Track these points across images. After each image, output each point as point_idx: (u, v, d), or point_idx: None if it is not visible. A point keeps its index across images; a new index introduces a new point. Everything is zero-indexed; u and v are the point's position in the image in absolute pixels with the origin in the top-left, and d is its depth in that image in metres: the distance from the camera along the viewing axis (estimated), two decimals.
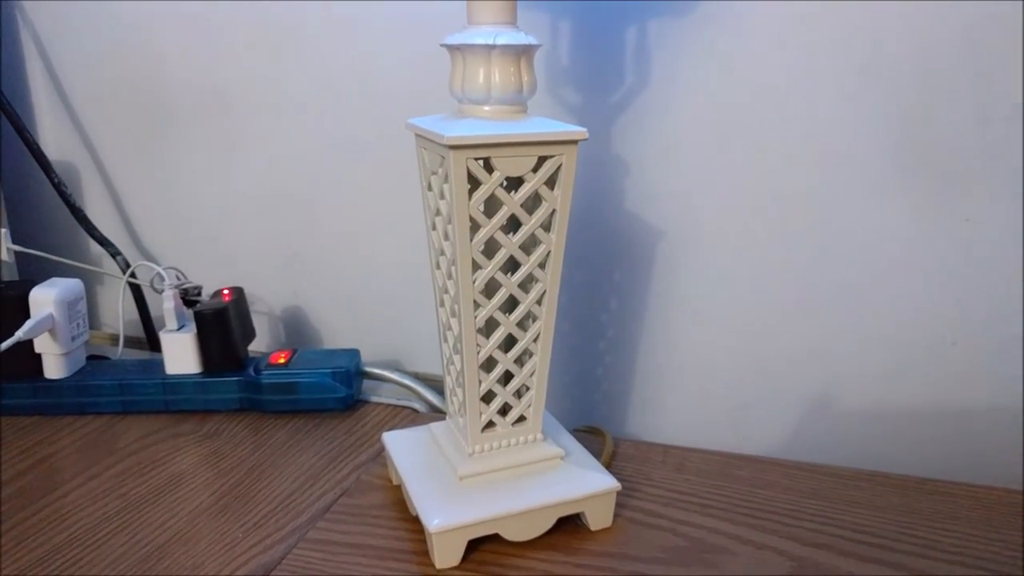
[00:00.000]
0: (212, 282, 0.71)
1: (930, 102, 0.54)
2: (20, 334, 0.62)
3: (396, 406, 0.68)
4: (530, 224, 0.44)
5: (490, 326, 0.46)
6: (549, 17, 0.61)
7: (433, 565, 0.46)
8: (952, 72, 0.53)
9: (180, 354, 0.66)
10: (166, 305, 0.66)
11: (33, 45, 0.79)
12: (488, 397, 0.48)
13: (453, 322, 0.46)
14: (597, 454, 0.55)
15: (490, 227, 0.43)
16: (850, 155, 0.57)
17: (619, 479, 0.50)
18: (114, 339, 0.80)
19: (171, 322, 0.67)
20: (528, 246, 0.45)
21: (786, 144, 0.58)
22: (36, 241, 0.77)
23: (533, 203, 0.44)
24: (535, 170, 0.43)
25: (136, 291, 0.77)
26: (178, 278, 0.70)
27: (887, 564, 0.47)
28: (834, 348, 0.61)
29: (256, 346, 0.71)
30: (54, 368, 0.66)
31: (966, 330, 0.58)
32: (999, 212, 0.55)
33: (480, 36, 0.42)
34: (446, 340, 0.49)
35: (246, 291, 0.70)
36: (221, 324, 0.65)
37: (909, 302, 0.58)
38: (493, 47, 0.42)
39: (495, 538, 0.47)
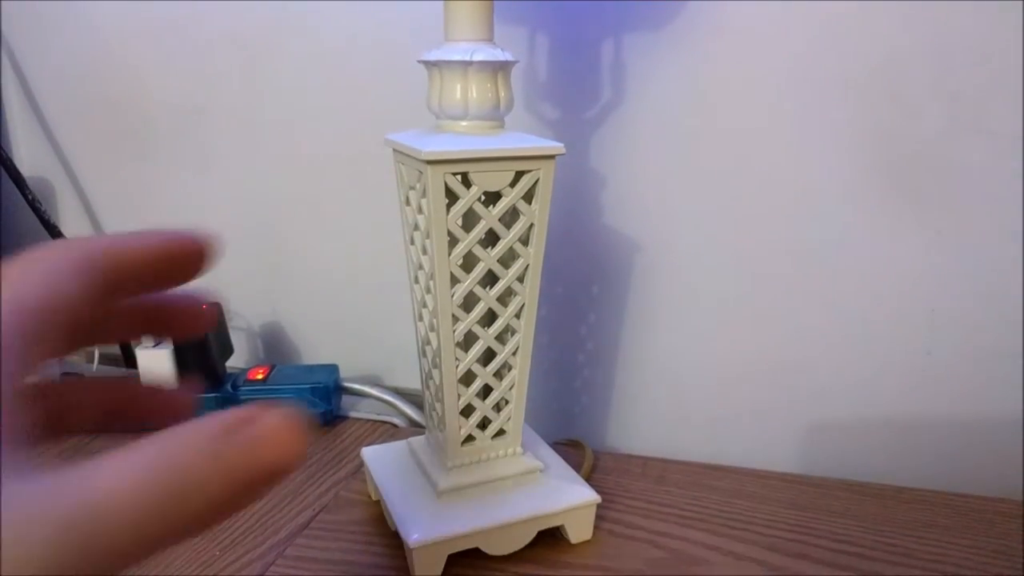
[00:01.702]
0: None
1: (902, 118, 0.55)
2: None
3: (375, 421, 0.68)
4: (508, 238, 0.44)
5: (469, 340, 0.46)
6: (526, 33, 0.62)
7: None
8: (922, 89, 0.54)
9: (156, 371, 0.65)
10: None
11: (7, 60, 0.79)
12: (467, 411, 0.48)
13: (432, 336, 0.46)
14: (577, 467, 0.55)
15: (468, 241, 0.43)
16: (824, 169, 0.58)
17: (599, 491, 0.50)
18: (89, 356, 0.79)
19: (147, 338, 0.66)
20: (506, 260, 0.45)
21: (761, 158, 0.59)
22: (9, 258, 0.76)
23: (511, 217, 0.45)
24: (513, 185, 0.43)
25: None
26: None
27: (864, 573, 0.47)
28: (810, 359, 0.62)
29: (234, 362, 0.71)
30: None
31: (940, 340, 0.58)
32: (968, 225, 0.56)
33: (457, 53, 0.42)
34: (425, 354, 0.49)
35: (224, 307, 0.70)
36: (198, 340, 0.65)
37: (884, 313, 0.59)
38: (470, 63, 0.42)
39: (475, 552, 0.47)
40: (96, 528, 0.15)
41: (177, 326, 0.26)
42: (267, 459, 0.17)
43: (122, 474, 0.16)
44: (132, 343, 0.77)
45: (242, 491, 0.17)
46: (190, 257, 0.22)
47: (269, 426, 0.17)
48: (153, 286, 0.22)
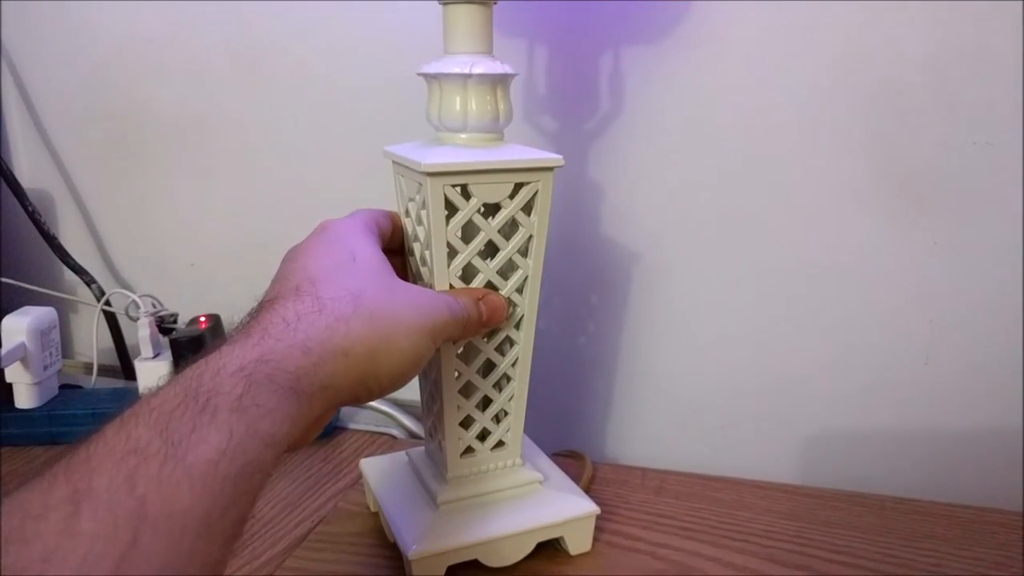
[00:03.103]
0: (188, 310, 0.71)
1: (901, 128, 0.56)
2: None
3: (374, 433, 0.68)
4: (507, 249, 0.44)
5: (468, 351, 0.46)
6: (525, 45, 0.62)
7: None
8: (921, 100, 0.55)
9: (156, 382, 0.65)
10: (141, 333, 0.66)
11: (8, 71, 0.79)
12: (466, 422, 0.48)
13: None
14: (576, 478, 0.55)
15: (467, 253, 0.43)
16: (823, 180, 0.58)
17: (598, 503, 0.50)
18: (88, 368, 0.79)
19: (146, 350, 0.66)
20: (506, 271, 0.45)
21: (760, 169, 0.59)
22: (9, 269, 0.76)
23: (510, 229, 0.45)
24: (512, 196, 0.43)
25: (111, 319, 0.76)
26: (154, 306, 0.70)
27: None
28: (809, 369, 0.62)
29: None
30: (26, 397, 0.65)
31: (939, 349, 0.58)
32: (967, 235, 0.56)
33: (456, 65, 0.43)
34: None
35: (223, 319, 0.70)
36: (198, 352, 0.65)
37: (883, 323, 0.59)
38: (469, 76, 0.42)
39: (474, 564, 0.47)
40: (453, 316, 0.39)
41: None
42: (497, 314, 0.43)
43: (452, 299, 0.40)
44: (131, 355, 0.77)
45: (481, 325, 0.43)
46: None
47: (498, 299, 0.43)
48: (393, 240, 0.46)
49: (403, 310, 0.37)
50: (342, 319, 0.34)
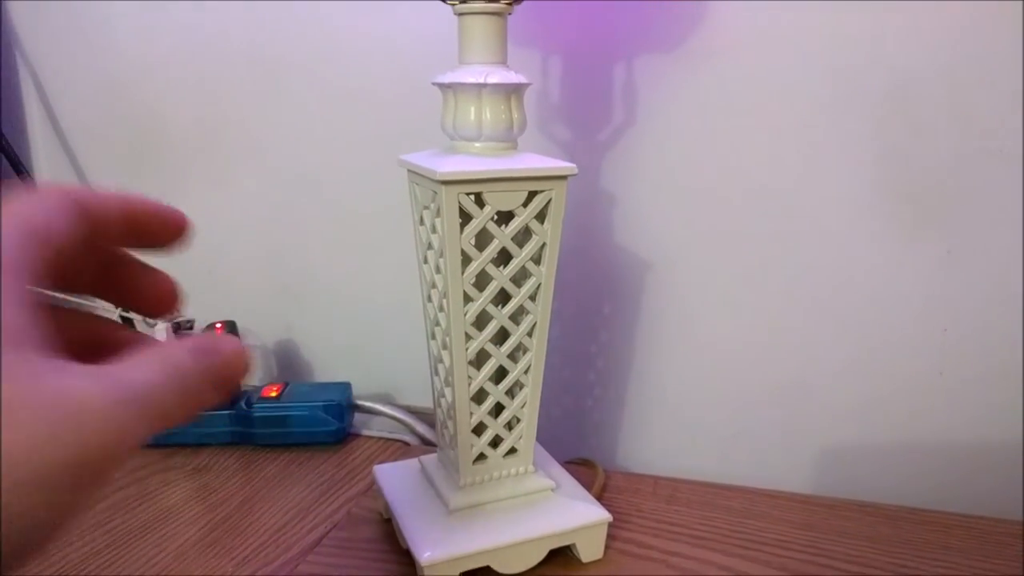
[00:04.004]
0: (205, 315, 0.71)
1: (912, 137, 0.56)
2: None
3: (387, 439, 0.68)
4: (521, 257, 0.45)
5: (481, 358, 0.47)
6: (540, 55, 0.62)
7: None
8: (933, 108, 0.55)
9: None
10: (158, 339, 0.66)
11: (29, 79, 0.80)
12: (479, 429, 0.48)
13: (444, 354, 0.47)
14: (588, 486, 0.55)
15: (481, 260, 0.44)
16: (836, 189, 0.58)
17: (610, 510, 0.50)
18: None
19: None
20: (519, 279, 0.46)
21: (773, 178, 0.59)
22: None
23: (523, 237, 0.45)
24: (525, 204, 0.44)
25: (128, 324, 0.77)
26: None
27: None
28: (822, 379, 0.62)
29: (247, 380, 0.71)
30: None
31: (953, 360, 0.58)
32: (979, 243, 0.56)
33: (471, 75, 0.43)
34: (437, 372, 0.50)
35: (238, 324, 0.71)
36: None
37: (896, 332, 0.59)
38: (484, 86, 0.43)
39: (487, 571, 0.47)
40: (149, 399, 0.20)
41: (140, 295, 0.29)
42: (235, 371, 0.23)
43: (151, 368, 0.20)
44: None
45: (214, 391, 0.22)
46: (167, 226, 0.26)
47: (232, 349, 0.23)
48: (128, 242, 0.25)
49: (23, 419, 0.17)
50: None
